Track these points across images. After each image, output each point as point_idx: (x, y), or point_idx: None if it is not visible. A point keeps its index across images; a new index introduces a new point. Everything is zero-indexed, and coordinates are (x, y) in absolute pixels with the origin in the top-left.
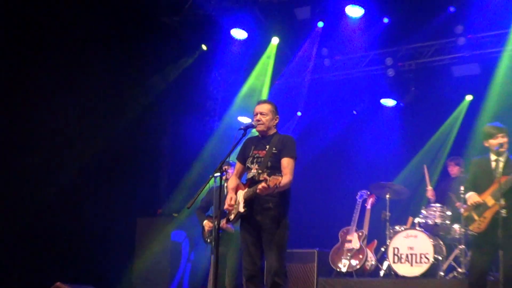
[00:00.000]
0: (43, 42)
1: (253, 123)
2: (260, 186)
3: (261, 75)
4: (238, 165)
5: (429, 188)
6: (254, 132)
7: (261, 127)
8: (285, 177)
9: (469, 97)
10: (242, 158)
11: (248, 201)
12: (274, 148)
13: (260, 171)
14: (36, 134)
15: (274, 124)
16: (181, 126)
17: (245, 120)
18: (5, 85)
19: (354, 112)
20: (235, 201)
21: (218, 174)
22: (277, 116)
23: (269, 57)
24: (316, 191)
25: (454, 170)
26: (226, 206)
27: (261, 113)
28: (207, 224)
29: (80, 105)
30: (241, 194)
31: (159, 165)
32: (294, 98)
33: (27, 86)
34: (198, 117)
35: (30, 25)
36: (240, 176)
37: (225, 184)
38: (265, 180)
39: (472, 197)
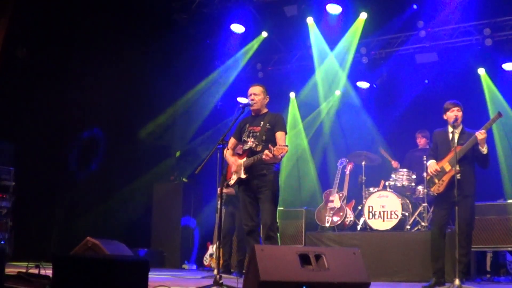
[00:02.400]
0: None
1: (249, 102)
2: (266, 152)
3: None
4: (233, 140)
5: (393, 162)
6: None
7: (255, 106)
8: (286, 145)
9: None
10: (238, 135)
11: (247, 168)
12: (268, 124)
13: (257, 143)
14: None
15: (265, 103)
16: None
17: (243, 100)
18: None
19: (426, 81)
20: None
21: (219, 146)
22: (267, 96)
23: (252, 47)
24: (304, 159)
25: (421, 141)
26: (233, 168)
27: (254, 94)
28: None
29: (98, 88)
30: (239, 162)
31: (171, 136)
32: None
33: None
34: (205, 97)
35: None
36: (234, 148)
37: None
38: (270, 150)
39: (431, 165)
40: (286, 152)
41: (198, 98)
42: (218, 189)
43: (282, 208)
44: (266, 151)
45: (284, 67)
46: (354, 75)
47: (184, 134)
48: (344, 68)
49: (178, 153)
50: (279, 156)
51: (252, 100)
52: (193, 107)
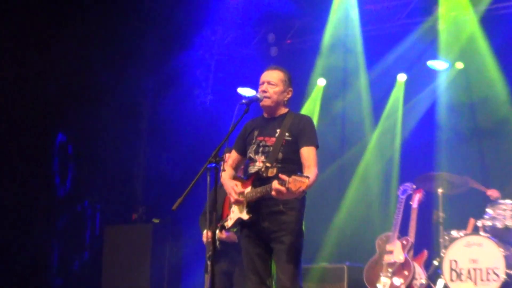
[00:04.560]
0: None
1: (258, 95)
2: (275, 187)
3: None
4: (234, 155)
5: (489, 190)
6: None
7: (267, 102)
8: (311, 174)
9: None
10: (241, 146)
11: (251, 204)
12: (287, 133)
13: (268, 165)
14: None
15: (286, 99)
16: (161, 103)
17: (247, 92)
18: None
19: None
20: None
21: (212, 165)
22: (291, 89)
23: None
24: (340, 186)
25: None
26: (235, 197)
27: (268, 83)
28: (205, 235)
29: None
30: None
31: (133, 155)
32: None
33: None
34: (183, 90)
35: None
36: (236, 167)
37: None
38: (283, 182)
39: None
40: (309, 186)
41: (174, 90)
42: (207, 233)
43: (310, 265)
44: (277, 185)
45: (310, 40)
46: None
47: (152, 152)
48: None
49: (156, 220)
50: (298, 192)
51: (264, 92)
52: (166, 106)
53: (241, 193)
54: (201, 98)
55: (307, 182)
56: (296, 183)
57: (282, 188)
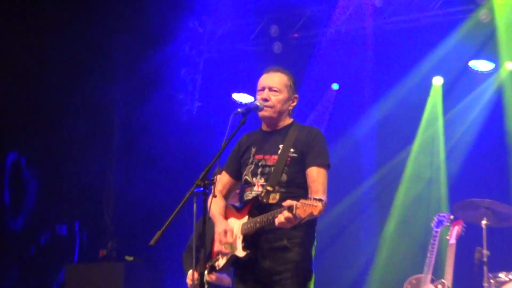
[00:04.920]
0: None
1: (258, 103)
2: (283, 218)
3: None
4: (226, 178)
5: None
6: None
7: (268, 112)
8: (320, 199)
9: None
10: (234, 167)
11: (249, 238)
12: (292, 149)
13: (270, 189)
14: None
15: (290, 108)
16: (136, 112)
17: (244, 98)
18: None
19: None
20: (232, 236)
21: (200, 189)
22: (296, 95)
23: None
24: (358, 214)
25: None
26: (218, 247)
27: (270, 89)
28: (190, 277)
29: None
30: (236, 225)
31: (102, 176)
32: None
33: None
34: (164, 96)
35: None
36: (227, 194)
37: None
38: (290, 208)
39: None
40: (321, 211)
41: (152, 96)
42: (193, 274)
43: None
44: (284, 212)
45: (322, 33)
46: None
47: (125, 172)
48: None
49: (129, 258)
50: (306, 217)
51: (265, 100)
52: (142, 117)
53: (229, 245)
54: (186, 105)
55: (320, 206)
56: (305, 208)
57: (288, 215)
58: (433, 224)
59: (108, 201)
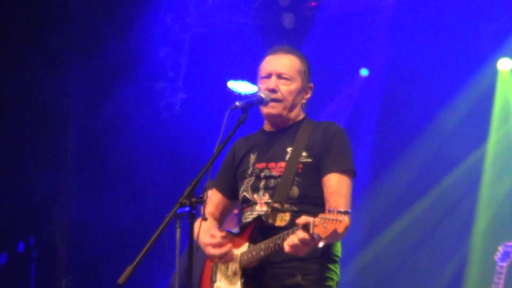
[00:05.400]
0: None
1: (262, 95)
2: (296, 239)
3: None
4: (217, 197)
5: None
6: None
7: (277, 108)
8: (345, 211)
9: None
10: (227, 181)
11: (250, 273)
12: (305, 153)
13: (277, 207)
14: None
15: (304, 102)
16: (99, 109)
17: (243, 88)
18: None
19: None
20: (227, 271)
21: (186, 209)
22: (311, 85)
23: None
24: (399, 238)
25: None
26: (217, 252)
27: (279, 76)
28: None
29: None
30: (234, 256)
31: (53, 194)
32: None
33: None
34: (137, 86)
35: None
36: (220, 217)
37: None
38: (306, 226)
39: None
40: (347, 228)
41: (121, 86)
42: None
43: None
44: (298, 232)
45: (347, 2)
46: None
47: (84, 189)
48: None
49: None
50: (327, 237)
51: (272, 91)
52: (107, 114)
53: (227, 255)
54: (167, 98)
55: (345, 221)
56: (327, 225)
57: (304, 236)
58: (497, 257)
59: (61, 225)
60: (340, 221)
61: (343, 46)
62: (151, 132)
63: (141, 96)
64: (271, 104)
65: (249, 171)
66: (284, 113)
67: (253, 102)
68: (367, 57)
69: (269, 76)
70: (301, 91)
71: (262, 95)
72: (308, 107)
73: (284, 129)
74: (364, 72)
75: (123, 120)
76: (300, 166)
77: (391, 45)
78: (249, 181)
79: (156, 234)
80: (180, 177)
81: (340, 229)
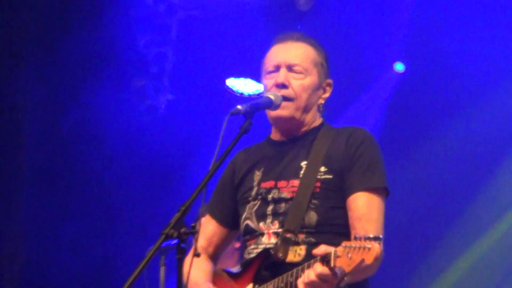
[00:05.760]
0: None
1: (271, 96)
2: (313, 275)
3: None
4: (212, 226)
5: None
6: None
7: (288, 109)
8: (375, 237)
9: None
10: (224, 206)
11: None
12: (323, 168)
13: (289, 237)
14: None
15: (321, 103)
16: (62, 115)
17: (245, 87)
18: None
19: None
20: None
21: (173, 242)
22: (330, 81)
23: None
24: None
25: None
26: None
27: (290, 68)
28: None
29: None
30: None
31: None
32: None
33: None
34: (111, 85)
35: None
36: (215, 252)
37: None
38: (325, 258)
39: None
40: (379, 258)
41: (91, 85)
42: None
43: None
44: (316, 266)
45: None
46: None
47: (43, 216)
48: None
49: None
50: (353, 271)
51: (281, 86)
52: (74, 121)
53: None
54: (149, 99)
55: (376, 248)
56: (352, 255)
57: (323, 271)
58: None
59: (10, 265)
60: (369, 249)
61: (372, 34)
62: (129, 143)
63: (116, 98)
64: (283, 105)
65: (253, 193)
66: (297, 115)
67: (259, 106)
68: (403, 48)
69: (277, 69)
70: (317, 88)
71: (271, 96)
72: (327, 111)
73: (297, 138)
74: (399, 67)
75: (93, 128)
76: (318, 184)
77: (433, 35)
78: (253, 206)
79: (134, 274)
80: (165, 201)
81: (369, 259)
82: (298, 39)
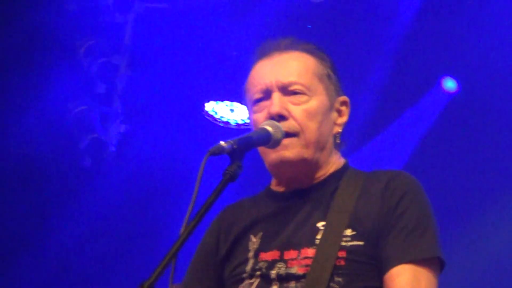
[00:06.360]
0: None
1: (267, 127)
2: None
3: None
4: None
5: None
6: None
7: (294, 148)
8: None
9: None
10: (208, 284)
11: None
12: (350, 230)
13: None
14: None
15: (338, 131)
16: None
17: (231, 114)
18: None
19: None
20: None
21: None
22: (345, 99)
23: None
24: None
25: None
26: None
27: (286, 88)
28: None
29: None
30: None
31: None
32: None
33: None
34: (40, 107)
35: None
36: None
37: None
38: None
39: None
40: None
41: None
42: None
43: None
44: None
45: None
46: None
47: None
48: None
49: None
50: None
51: (278, 115)
52: None
53: None
54: (94, 131)
55: None
56: None
57: None
58: None
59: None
60: None
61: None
62: (65, 187)
63: (44, 123)
64: (284, 141)
65: (248, 268)
66: (308, 155)
67: (251, 141)
68: (454, 61)
69: (267, 94)
70: (329, 111)
71: (268, 128)
72: (347, 144)
73: (309, 189)
74: (450, 84)
75: (18, 172)
76: (343, 254)
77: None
78: (248, 286)
79: None
80: (119, 275)
81: None
82: (288, 48)
